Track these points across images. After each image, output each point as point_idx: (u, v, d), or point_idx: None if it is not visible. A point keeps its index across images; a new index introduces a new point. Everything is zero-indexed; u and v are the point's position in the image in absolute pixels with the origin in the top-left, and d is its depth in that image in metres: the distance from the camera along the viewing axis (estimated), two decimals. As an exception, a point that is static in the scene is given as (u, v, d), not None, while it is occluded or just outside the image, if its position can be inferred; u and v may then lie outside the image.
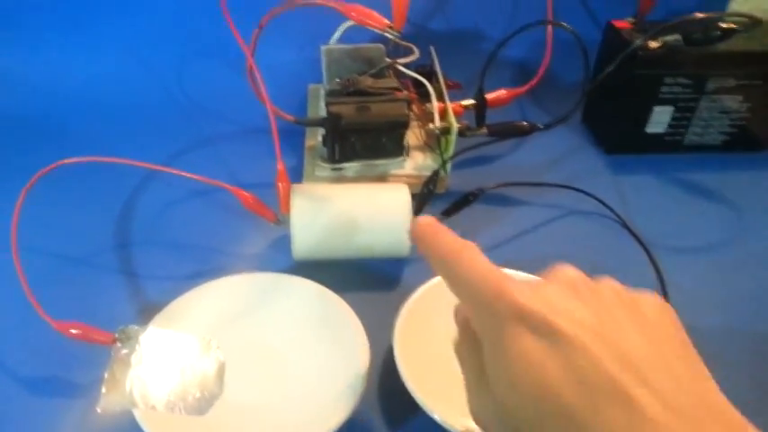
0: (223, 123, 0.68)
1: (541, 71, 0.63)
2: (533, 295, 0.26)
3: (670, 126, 0.65)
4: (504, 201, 0.59)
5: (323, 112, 0.68)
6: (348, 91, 0.56)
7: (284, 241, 0.53)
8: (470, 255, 0.29)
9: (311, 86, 0.72)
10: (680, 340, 0.26)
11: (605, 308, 0.26)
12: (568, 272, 0.28)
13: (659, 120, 0.64)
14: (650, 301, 0.27)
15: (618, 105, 0.63)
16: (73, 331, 0.42)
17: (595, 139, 0.68)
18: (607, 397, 0.23)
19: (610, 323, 0.25)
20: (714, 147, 0.66)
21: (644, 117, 0.64)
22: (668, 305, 0.27)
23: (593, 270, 0.28)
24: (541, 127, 0.56)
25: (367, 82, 0.57)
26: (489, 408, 0.27)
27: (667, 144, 0.66)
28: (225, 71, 0.75)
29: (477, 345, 0.28)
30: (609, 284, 0.28)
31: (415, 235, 0.32)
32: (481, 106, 0.56)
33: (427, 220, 0.31)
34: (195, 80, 0.74)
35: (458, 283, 0.29)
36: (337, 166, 0.59)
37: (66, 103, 0.70)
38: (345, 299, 0.46)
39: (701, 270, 0.53)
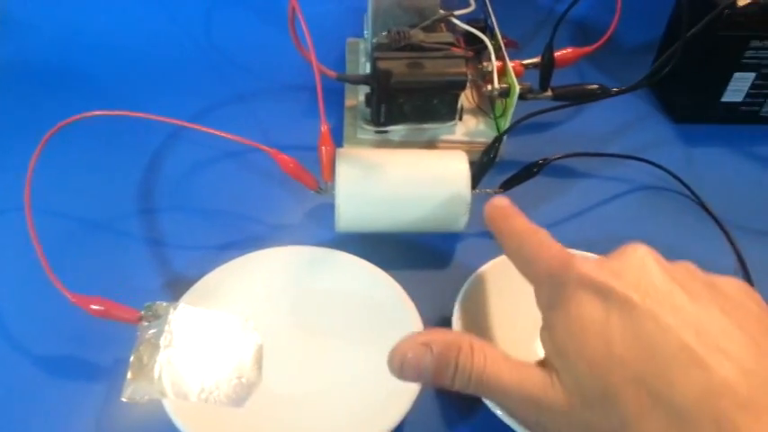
0: (254, 78, 0.62)
1: (612, 28, 0.56)
2: (601, 267, 0.26)
3: (748, 95, 0.58)
4: (567, 172, 0.53)
5: (364, 69, 0.62)
6: (398, 45, 0.49)
7: (323, 211, 0.48)
8: (541, 236, 0.29)
9: (350, 40, 0.66)
10: (765, 318, 0.25)
11: (679, 281, 0.25)
12: (639, 249, 0.27)
13: (737, 88, 0.58)
14: (730, 281, 0.26)
15: (692, 70, 0.57)
16: (94, 307, 0.37)
17: (663, 107, 0.61)
18: (680, 364, 0.22)
19: (683, 295, 0.24)
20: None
21: (721, 84, 0.57)
22: (751, 287, 0.26)
23: (668, 252, 0.27)
24: (615, 91, 0.50)
25: (419, 36, 0.50)
26: (559, 400, 0.25)
27: (742, 115, 0.60)
28: (254, 20, 0.69)
29: (523, 366, 0.27)
30: (684, 264, 0.27)
31: (489, 215, 0.32)
32: (548, 66, 0.50)
33: (502, 202, 0.32)
34: (223, 30, 0.68)
35: (527, 260, 0.29)
36: (382, 129, 0.53)
37: (84, 51, 0.63)
38: (394, 277, 0.41)
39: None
